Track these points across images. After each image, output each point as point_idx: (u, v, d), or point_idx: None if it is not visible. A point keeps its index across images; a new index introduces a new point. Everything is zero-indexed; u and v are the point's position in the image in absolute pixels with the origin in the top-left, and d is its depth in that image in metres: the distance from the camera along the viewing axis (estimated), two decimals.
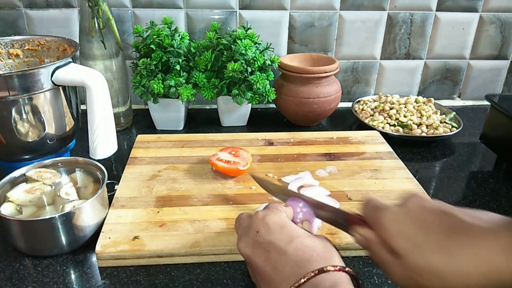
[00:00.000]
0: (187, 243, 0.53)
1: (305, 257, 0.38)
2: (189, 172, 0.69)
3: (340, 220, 0.44)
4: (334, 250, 0.40)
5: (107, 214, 0.58)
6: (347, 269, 0.38)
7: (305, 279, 0.36)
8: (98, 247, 0.51)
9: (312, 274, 0.36)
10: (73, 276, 0.51)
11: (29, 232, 0.51)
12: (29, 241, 0.52)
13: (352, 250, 0.53)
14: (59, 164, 0.62)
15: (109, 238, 0.53)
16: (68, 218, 0.52)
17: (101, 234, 0.54)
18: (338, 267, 0.37)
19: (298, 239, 0.40)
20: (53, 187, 0.58)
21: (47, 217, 0.50)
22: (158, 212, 0.59)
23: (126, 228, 0.55)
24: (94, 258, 0.53)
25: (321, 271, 0.36)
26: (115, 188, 0.64)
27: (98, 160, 0.64)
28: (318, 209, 0.47)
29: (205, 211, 0.59)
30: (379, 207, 0.38)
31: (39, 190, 0.57)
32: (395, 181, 0.67)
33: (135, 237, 0.53)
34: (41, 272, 0.51)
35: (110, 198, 0.61)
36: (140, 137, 0.79)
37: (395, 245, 0.35)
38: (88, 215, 0.54)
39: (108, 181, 0.64)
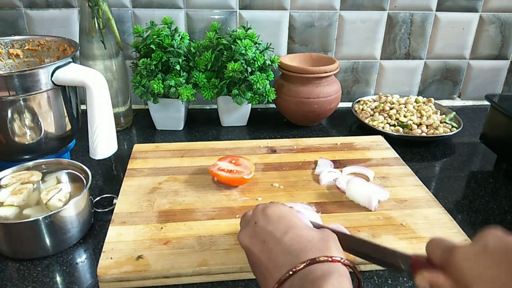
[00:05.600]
0: (194, 262, 0.50)
1: (299, 247, 0.38)
2: (191, 183, 0.66)
3: (403, 264, 0.38)
4: (333, 242, 0.39)
5: (93, 217, 0.58)
6: (342, 260, 0.36)
7: (296, 269, 0.36)
8: (99, 269, 0.48)
9: (304, 264, 0.36)
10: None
11: (12, 234, 0.51)
12: (12, 243, 0.51)
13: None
14: (42, 166, 0.61)
15: (111, 258, 0.50)
16: (51, 220, 0.51)
17: (102, 254, 0.50)
18: (332, 258, 0.36)
19: (295, 230, 0.40)
20: (35, 187, 0.57)
21: (31, 219, 0.50)
22: (162, 228, 0.55)
23: (128, 247, 0.52)
24: (82, 262, 0.52)
25: (313, 261, 0.36)
26: (114, 203, 0.61)
27: (98, 160, 0.64)
28: (369, 250, 0.42)
29: (211, 226, 0.56)
30: (449, 246, 0.34)
31: (24, 189, 0.55)
32: (404, 188, 0.66)
33: (139, 257, 0.50)
34: (41, 272, 0.51)
35: (110, 214, 0.59)
36: (137, 147, 0.76)
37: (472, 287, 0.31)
38: (72, 216, 0.53)
39: (106, 195, 0.64)
